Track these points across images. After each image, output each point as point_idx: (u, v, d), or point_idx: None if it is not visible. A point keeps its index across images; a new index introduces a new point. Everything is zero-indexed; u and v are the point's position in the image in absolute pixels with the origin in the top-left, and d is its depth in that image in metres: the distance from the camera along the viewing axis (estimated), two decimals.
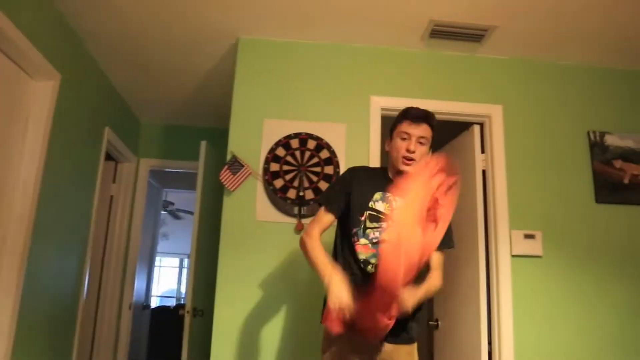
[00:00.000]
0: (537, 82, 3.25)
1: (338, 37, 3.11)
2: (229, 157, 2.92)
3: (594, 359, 2.83)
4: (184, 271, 10.36)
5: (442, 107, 3.09)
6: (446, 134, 3.53)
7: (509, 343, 2.79)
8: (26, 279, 2.56)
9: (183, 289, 10.23)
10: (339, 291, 1.73)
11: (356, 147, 3.00)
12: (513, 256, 2.92)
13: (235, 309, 2.75)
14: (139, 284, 4.71)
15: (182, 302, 9.54)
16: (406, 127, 2.01)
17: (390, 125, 2.11)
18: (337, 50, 3.17)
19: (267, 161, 2.92)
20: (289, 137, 2.96)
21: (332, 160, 2.94)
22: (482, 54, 3.24)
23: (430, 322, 3.39)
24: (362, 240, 1.97)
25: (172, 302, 9.79)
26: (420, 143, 2.01)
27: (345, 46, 3.18)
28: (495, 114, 3.13)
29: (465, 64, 3.23)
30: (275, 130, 2.97)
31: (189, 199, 7.11)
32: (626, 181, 3.11)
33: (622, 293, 2.94)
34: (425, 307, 2.14)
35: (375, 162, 2.96)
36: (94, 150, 3.62)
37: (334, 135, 2.98)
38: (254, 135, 2.97)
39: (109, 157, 4.11)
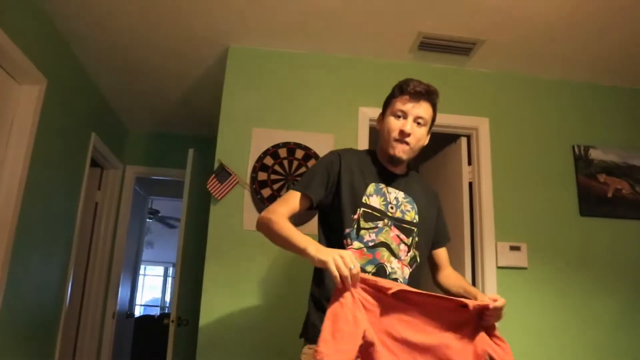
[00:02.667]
0: (524, 95, 3.29)
1: (327, 48, 3.12)
2: (216, 165, 2.91)
3: None
4: (169, 280, 10.27)
5: None
6: (434, 145, 3.55)
7: None
8: (8, 286, 2.51)
9: (167, 298, 10.13)
10: (346, 253, 1.32)
11: None
12: (499, 268, 2.93)
13: (220, 318, 2.72)
14: (123, 293, 4.65)
15: (166, 311, 9.44)
16: (403, 103, 1.68)
17: (389, 96, 1.79)
18: (326, 60, 3.18)
19: (255, 170, 2.91)
20: (277, 146, 2.95)
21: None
22: (470, 67, 3.27)
23: None
24: (356, 244, 1.60)
25: (156, 311, 9.68)
26: (418, 124, 1.69)
27: (334, 57, 3.19)
28: (482, 127, 3.15)
29: (453, 77, 3.26)
30: (263, 139, 2.97)
31: (174, 207, 7.07)
32: (610, 195, 3.15)
33: (606, 305, 2.96)
34: None
35: None
36: (80, 156, 3.58)
37: (322, 145, 2.98)
38: (242, 143, 2.97)
39: (94, 163, 4.08)
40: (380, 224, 1.63)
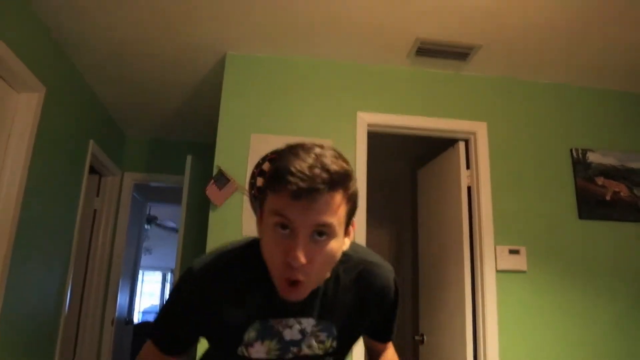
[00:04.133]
0: (521, 100, 3.31)
1: (325, 54, 3.13)
2: (215, 171, 2.91)
3: None
4: (167, 286, 10.25)
5: (428, 123, 3.14)
6: (432, 150, 3.57)
7: (494, 357, 2.79)
8: (7, 293, 2.51)
9: None
10: None
11: None
12: (498, 271, 2.94)
13: None
14: (121, 299, 4.65)
15: None
16: (283, 205, 0.91)
17: (260, 190, 1.09)
18: (324, 66, 3.19)
19: (254, 176, 2.91)
20: (276, 152, 2.95)
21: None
22: (467, 72, 3.28)
23: (416, 337, 3.39)
24: None
25: (155, 318, 9.65)
26: (320, 234, 0.92)
27: (332, 62, 3.20)
28: (480, 131, 3.16)
29: (451, 82, 3.27)
30: (262, 144, 2.97)
31: (173, 213, 7.07)
32: (608, 198, 3.16)
33: (605, 307, 2.97)
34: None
35: (361, 179, 2.96)
36: (78, 163, 3.58)
37: None
38: (241, 149, 2.97)
39: (93, 170, 4.08)
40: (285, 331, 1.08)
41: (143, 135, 4.79)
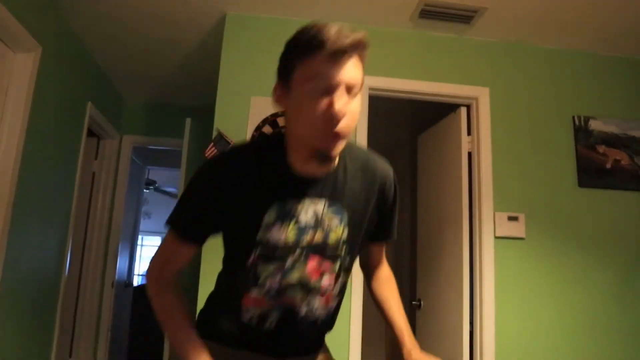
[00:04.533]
0: (524, 65, 3.26)
1: (327, 15, 3.07)
2: (214, 133, 2.89)
3: (575, 340, 2.89)
4: None
5: (429, 88, 3.10)
6: (433, 115, 3.53)
7: (490, 323, 2.83)
8: (7, 256, 2.52)
9: None
10: None
11: None
12: (496, 238, 2.95)
13: None
14: (121, 262, 4.68)
15: None
16: (322, 67, 1.01)
17: (292, 54, 1.09)
18: None
19: (254, 139, 2.89)
20: (276, 115, 2.93)
21: None
22: (471, 36, 3.23)
23: (413, 302, 3.43)
24: (255, 292, 1.17)
25: None
26: (351, 92, 1.05)
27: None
28: (482, 97, 3.13)
29: (454, 46, 3.22)
30: (262, 107, 2.94)
31: (172, 177, 7.06)
32: (609, 166, 3.15)
33: (602, 276, 2.99)
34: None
35: (362, 143, 2.95)
36: (76, 125, 3.55)
37: None
38: (241, 112, 2.94)
39: (91, 133, 4.05)
40: (288, 261, 1.15)
41: (141, 98, 4.74)
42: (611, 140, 3.18)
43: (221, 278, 1.30)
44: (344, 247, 1.20)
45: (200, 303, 2.72)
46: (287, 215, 1.13)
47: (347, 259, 1.22)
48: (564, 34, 3.15)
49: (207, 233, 1.19)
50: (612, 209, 3.10)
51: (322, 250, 1.17)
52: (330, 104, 1.01)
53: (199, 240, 1.20)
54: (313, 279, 1.18)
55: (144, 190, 6.91)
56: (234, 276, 1.21)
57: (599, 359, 2.88)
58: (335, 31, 1.02)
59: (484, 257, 2.91)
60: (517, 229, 2.98)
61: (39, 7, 2.79)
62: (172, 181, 7.39)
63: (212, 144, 2.86)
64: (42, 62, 2.77)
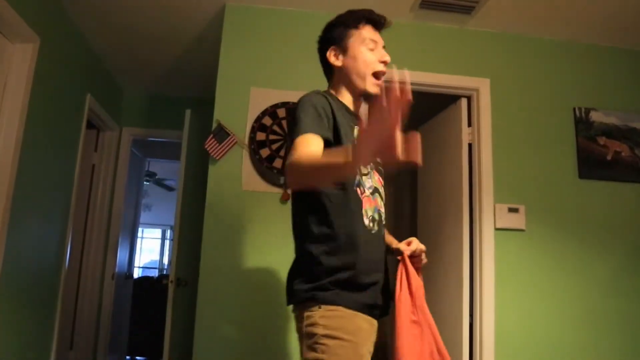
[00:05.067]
0: (525, 56, 3.24)
1: (327, 6, 3.05)
2: (214, 125, 2.88)
3: (574, 332, 2.89)
4: (167, 243, 10.34)
5: (430, 79, 3.08)
6: (433, 106, 3.52)
7: (490, 315, 2.83)
8: (7, 249, 2.52)
9: (165, 261, 10.22)
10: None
11: None
12: (497, 229, 2.95)
13: (220, 279, 2.74)
14: (121, 255, 4.68)
15: (164, 272, 9.54)
16: (372, 33, 1.61)
17: (344, 26, 1.65)
18: (325, 18, 3.09)
19: (254, 130, 2.89)
20: (276, 106, 2.92)
21: None
22: (472, 27, 3.21)
23: None
24: (366, 192, 1.50)
25: (154, 273, 9.78)
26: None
27: (333, 15, 3.11)
28: (482, 88, 3.12)
29: (455, 37, 3.20)
30: (262, 99, 2.93)
31: (172, 169, 7.05)
32: (609, 158, 3.14)
33: (602, 267, 3.00)
34: None
35: None
36: (75, 117, 3.54)
37: None
38: (240, 103, 2.93)
39: (90, 125, 4.03)
40: (368, 168, 1.54)
41: (141, 89, 4.72)
42: (612, 132, 3.17)
43: (323, 211, 1.47)
44: (382, 168, 1.62)
45: (200, 304, 2.72)
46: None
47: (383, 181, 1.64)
48: (564, 25, 3.13)
49: (330, 134, 1.44)
50: (612, 200, 3.10)
51: (377, 166, 1.60)
52: (383, 55, 1.59)
53: (328, 137, 1.42)
54: (380, 185, 1.59)
55: (144, 183, 6.91)
56: (349, 189, 1.46)
57: (599, 350, 2.89)
58: (374, 11, 1.63)
59: (484, 249, 2.91)
60: (517, 221, 2.98)
61: None
62: (172, 173, 7.38)
63: (211, 135, 2.85)
64: (40, 53, 2.75)
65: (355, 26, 1.60)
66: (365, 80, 1.57)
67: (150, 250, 10.44)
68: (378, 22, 1.60)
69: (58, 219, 3.34)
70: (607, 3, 2.87)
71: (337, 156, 1.17)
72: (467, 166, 3.04)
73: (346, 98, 1.63)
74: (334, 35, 1.63)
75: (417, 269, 1.57)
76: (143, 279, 6.37)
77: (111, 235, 4.46)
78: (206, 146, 2.83)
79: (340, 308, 1.38)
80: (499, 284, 2.90)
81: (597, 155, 3.14)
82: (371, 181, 1.54)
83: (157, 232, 10.46)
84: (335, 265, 1.43)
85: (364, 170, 1.51)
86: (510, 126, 3.11)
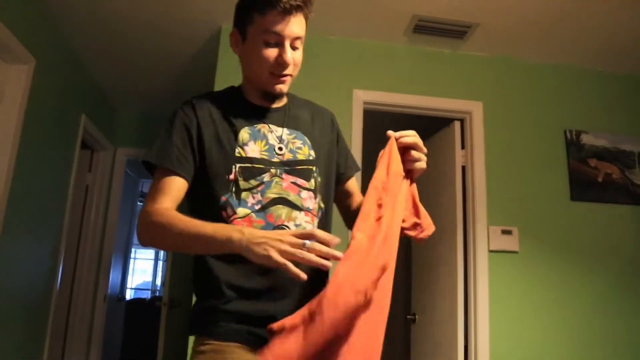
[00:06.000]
0: (517, 80, 3.29)
1: (322, 30, 3.09)
2: None
3: (569, 353, 2.88)
4: (160, 263, 10.26)
5: (423, 102, 3.12)
6: (427, 129, 3.55)
7: (484, 337, 2.82)
8: None
9: (158, 282, 10.13)
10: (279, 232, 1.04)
11: None
12: (490, 251, 2.95)
13: None
14: (114, 276, 4.64)
15: (157, 294, 9.44)
16: (274, 23, 1.22)
17: (246, 8, 1.27)
18: (320, 42, 3.15)
19: None
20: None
21: None
22: (464, 51, 3.26)
23: (408, 317, 3.42)
24: (241, 211, 1.22)
25: (147, 295, 9.68)
26: (295, 48, 1.27)
27: (328, 39, 3.16)
28: (475, 111, 3.15)
29: (448, 60, 3.25)
30: None
31: None
32: (600, 179, 3.17)
33: (595, 288, 3.00)
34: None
35: (357, 157, 2.96)
36: (70, 138, 3.54)
37: None
38: None
39: (85, 145, 4.03)
40: (266, 176, 1.25)
41: (136, 110, 4.74)
42: (602, 154, 3.21)
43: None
44: (314, 167, 1.33)
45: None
46: (257, 136, 1.28)
47: (320, 179, 1.34)
48: (555, 50, 3.19)
49: (191, 165, 1.25)
50: (604, 222, 3.12)
51: (293, 167, 1.29)
52: (280, 54, 1.24)
53: (187, 172, 1.24)
54: (292, 193, 1.27)
55: (138, 203, 6.88)
56: (217, 205, 1.23)
57: None
58: None
59: (478, 271, 2.91)
60: (511, 243, 2.98)
61: (33, 19, 2.80)
62: None
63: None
64: (36, 74, 2.77)
65: (260, 11, 1.22)
66: (261, 78, 1.29)
67: (142, 271, 10.35)
68: (285, 11, 1.20)
69: (50, 240, 3.32)
70: (596, 29, 2.92)
71: (213, 230, 1.07)
72: (461, 188, 3.06)
73: (252, 93, 1.36)
74: (239, 14, 1.31)
75: (409, 173, 1.29)
76: (136, 300, 6.31)
77: (104, 257, 4.43)
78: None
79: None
80: (493, 306, 2.89)
81: (588, 177, 3.17)
82: (263, 194, 1.23)
83: (150, 253, 10.38)
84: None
85: (248, 184, 1.23)
86: (503, 148, 3.14)
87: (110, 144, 4.49)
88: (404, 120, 3.70)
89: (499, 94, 3.24)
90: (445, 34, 3.04)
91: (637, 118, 3.35)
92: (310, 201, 1.29)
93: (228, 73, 3.01)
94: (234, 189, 1.23)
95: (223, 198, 1.23)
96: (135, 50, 3.47)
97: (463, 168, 3.11)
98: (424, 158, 1.30)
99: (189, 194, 1.28)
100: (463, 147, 3.15)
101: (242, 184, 1.23)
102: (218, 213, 1.22)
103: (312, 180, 1.31)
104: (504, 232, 2.99)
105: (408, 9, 2.83)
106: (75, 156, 3.64)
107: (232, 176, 1.23)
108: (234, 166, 1.24)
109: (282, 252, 0.97)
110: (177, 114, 1.30)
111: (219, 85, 2.99)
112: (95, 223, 4.30)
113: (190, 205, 1.32)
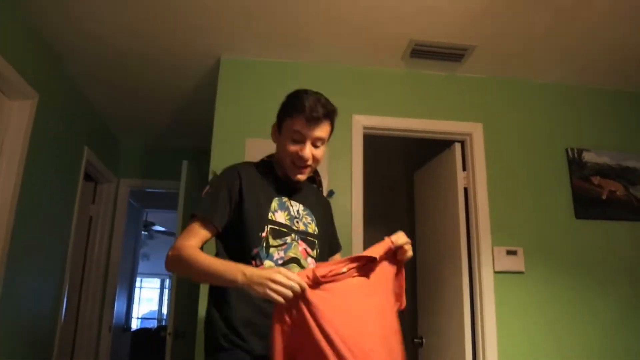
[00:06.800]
0: (516, 100, 3.31)
1: (320, 57, 3.13)
2: (211, 176, 2.90)
3: None
4: (165, 292, 10.21)
5: (423, 125, 3.13)
6: (428, 152, 3.56)
7: (493, 359, 2.78)
8: (2, 301, 2.50)
9: (165, 310, 10.06)
10: (283, 271, 1.30)
11: (338, 165, 3.00)
12: (496, 272, 2.93)
13: None
14: (119, 306, 4.63)
15: (163, 323, 9.37)
16: (300, 126, 1.58)
17: (284, 111, 1.65)
18: (318, 69, 3.19)
19: None
20: (272, 156, 2.94)
21: (315, 179, 2.93)
22: (462, 73, 3.28)
23: (415, 340, 3.38)
24: (267, 263, 1.52)
25: (153, 324, 9.61)
26: (316, 147, 1.62)
27: (327, 66, 3.20)
28: (475, 132, 3.16)
29: (446, 83, 3.27)
30: (257, 149, 2.94)
31: (169, 219, 7.04)
32: (604, 197, 3.16)
33: (602, 307, 2.96)
34: None
35: (358, 181, 2.96)
36: (73, 170, 3.57)
37: None
38: (236, 154, 2.95)
39: (88, 177, 4.06)
40: (288, 239, 1.59)
41: (138, 141, 4.78)
42: (605, 171, 3.20)
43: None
44: (317, 240, 1.69)
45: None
46: (283, 207, 1.65)
47: (319, 251, 1.69)
48: (553, 68, 3.21)
49: (225, 216, 1.56)
50: (609, 239, 3.09)
51: (305, 237, 1.66)
52: (300, 150, 1.60)
53: (219, 223, 1.55)
54: (303, 258, 1.61)
55: (143, 232, 6.89)
56: (249, 254, 1.53)
57: None
58: (313, 101, 1.58)
59: (484, 292, 2.88)
60: (516, 263, 2.96)
61: (36, 54, 2.85)
62: (170, 223, 7.35)
63: (208, 185, 2.86)
64: (39, 109, 2.81)
65: (290, 115, 1.60)
66: (286, 165, 1.64)
67: (149, 300, 10.29)
68: (310, 119, 1.55)
69: (55, 271, 3.32)
70: (594, 47, 2.94)
71: (223, 268, 1.39)
72: (464, 210, 3.05)
73: (280, 171, 1.71)
74: (280, 112, 1.67)
75: (399, 263, 1.48)
76: (141, 331, 6.27)
77: (108, 287, 4.42)
78: (203, 197, 2.84)
79: None
80: (500, 327, 2.86)
81: (592, 195, 3.16)
82: (285, 252, 1.57)
83: (155, 282, 10.33)
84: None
85: (275, 242, 1.56)
86: (505, 169, 3.14)
87: (113, 175, 4.52)
88: (404, 143, 3.73)
89: (499, 115, 3.25)
90: (442, 57, 3.07)
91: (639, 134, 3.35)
92: (312, 265, 1.58)
93: (227, 104, 3.05)
94: (264, 244, 1.55)
95: (255, 250, 1.54)
96: (136, 83, 3.52)
97: (465, 190, 3.11)
98: (410, 247, 1.48)
99: (223, 241, 1.61)
100: (464, 168, 3.14)
101: (271, 241, 1.56)
102: (248, 261, 1.50)
103: (315, 251, 1.67)
104: (509, 252, 2.97)
105: (405, 34, 2.86)
106: (79, 188, 3.66)
107: (264, 234, 1.56)
108: (266, 226, 1.57)
109: (274, 290, 1.25)
110: (223, 177, 1.66)
111: (219, 114, 3.02)
112: (99, 254, 4.30)
113: (224, 249, 1.61)
